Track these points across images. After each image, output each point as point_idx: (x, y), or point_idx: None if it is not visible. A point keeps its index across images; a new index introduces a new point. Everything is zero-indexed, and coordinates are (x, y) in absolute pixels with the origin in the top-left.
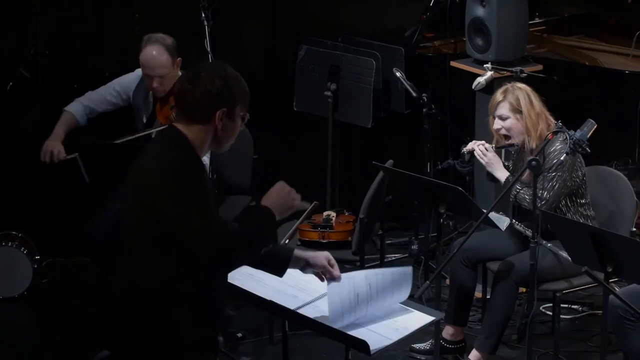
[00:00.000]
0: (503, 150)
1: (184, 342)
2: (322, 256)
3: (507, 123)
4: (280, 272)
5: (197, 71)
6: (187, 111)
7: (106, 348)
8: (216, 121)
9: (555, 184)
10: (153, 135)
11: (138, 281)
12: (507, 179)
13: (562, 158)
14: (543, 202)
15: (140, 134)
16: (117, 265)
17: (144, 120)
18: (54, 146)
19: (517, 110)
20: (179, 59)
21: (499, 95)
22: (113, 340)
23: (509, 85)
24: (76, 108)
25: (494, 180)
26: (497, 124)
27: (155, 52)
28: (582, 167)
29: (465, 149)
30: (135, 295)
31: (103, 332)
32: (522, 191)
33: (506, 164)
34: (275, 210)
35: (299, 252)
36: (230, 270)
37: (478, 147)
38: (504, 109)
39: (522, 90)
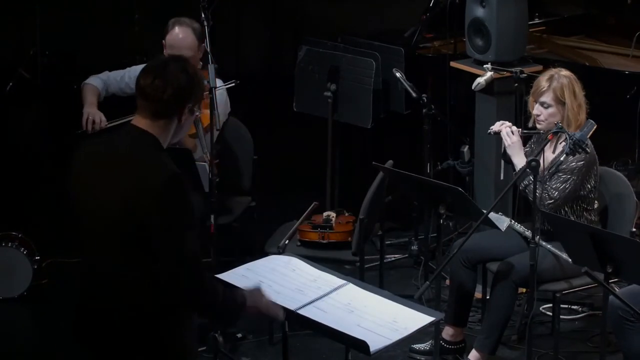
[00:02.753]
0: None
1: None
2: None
3: (548, 111)
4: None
5: (164, 66)
6: (157, 107)
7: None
8: (182, 116)
9: (568, 187)
10: None
11: (128, 287)
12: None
13: (580, 163)
14: (551, 202)
15: None
16: (86, 268)
17: None
18: (95, 114)
19: (559, 100)
20: (203, 44)
21: (543, 82)
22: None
23: (554, 72)
24: (97, 82)
25: (509, 161)
26: (537, 110)
27: (182, 34)
28: (595, 177)
29: (492, 129)
30: (125, 302)
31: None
32: (531, 184)
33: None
34: (251, 308)
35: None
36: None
37: (505, 128)
38: (547, 97)
39: (566, 79)
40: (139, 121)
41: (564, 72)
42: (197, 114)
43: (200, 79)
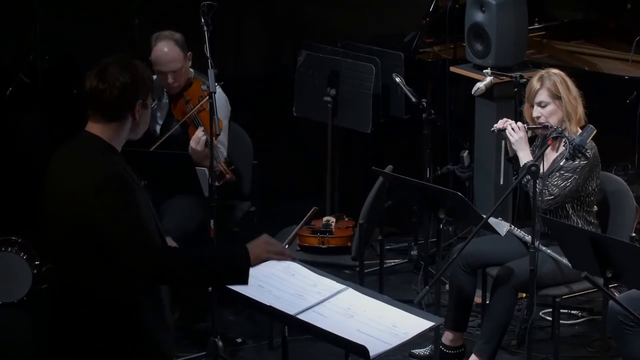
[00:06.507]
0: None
1: (148, 344)
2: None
3: (547, 110)
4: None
5: (103, 68)
6: (106, 111)
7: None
8: (135, 114)
9: (569, 185)
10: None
11: (86, 289)
12: (526, 163)
13: (583, 163)
14: (551, 198)
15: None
16: (54, 276)
17: (160, 122)
18: None
19: (555, 96)
20: (189, 52)
21: (535, 82)
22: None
23: (543, 72)
24: None
25: (511, 160)
26: (537, 111)
27: (167, 48)
28: (597, 180)
29: (495, 127)
30: (87, 304)
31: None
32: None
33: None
34: (252, 254)
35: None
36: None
37: (510, 125)
38: (542, 96)
39: (558, 76)
40: (92, 127)
41: (554, 70)
42: (154, 105)
43: (143, 73)
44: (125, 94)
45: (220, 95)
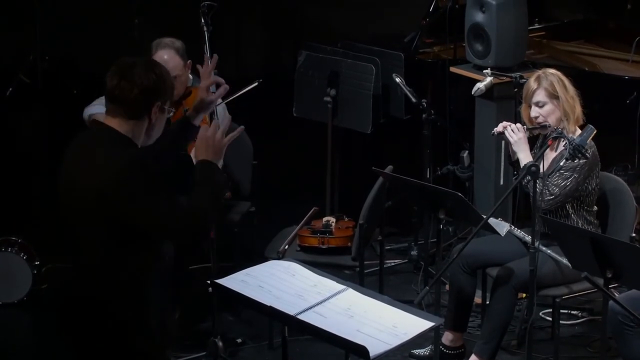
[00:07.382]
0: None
1: (153, 335)
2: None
3: (545, 109)
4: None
5: (129, 67)
6: (126, 108)
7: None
8: (152, 115)
9: (569, 184)
10: None
11: (102, 279)
12: (526, 164)
13: (582, 161)
14: (552, 197)
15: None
16: (72, 269)
17: None
18: None
19: (553, 96)
20: (189, 61)
21: (532, 83)
22: (83, 343)
23: (540, 72)
24: (100, 110)
25: (513, 164)
26: (535, 111)
27: (167, 56)
28: (596, 179)
29: (495, 130)
30: (102, 293)
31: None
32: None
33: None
34: (211, 157)
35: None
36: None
37: (509, 127)
38: (540, 96)
39: (554, 76)
40: (110, 121)
41: (551, 70)
42: (170, 115)
43: (166, 77)
44: (147, 94)
45: (221, 112)
